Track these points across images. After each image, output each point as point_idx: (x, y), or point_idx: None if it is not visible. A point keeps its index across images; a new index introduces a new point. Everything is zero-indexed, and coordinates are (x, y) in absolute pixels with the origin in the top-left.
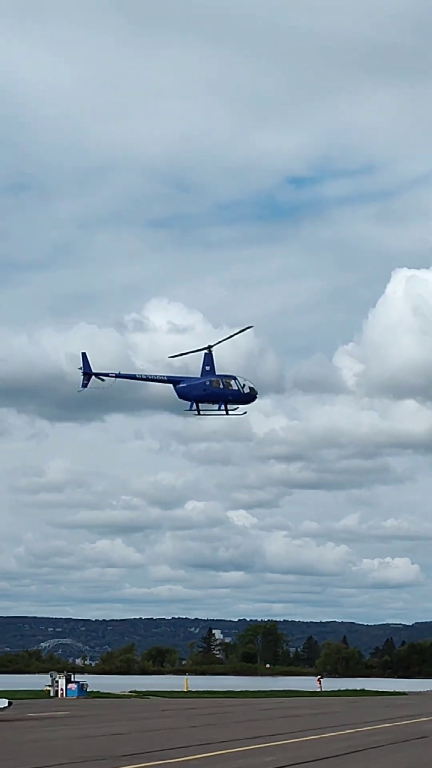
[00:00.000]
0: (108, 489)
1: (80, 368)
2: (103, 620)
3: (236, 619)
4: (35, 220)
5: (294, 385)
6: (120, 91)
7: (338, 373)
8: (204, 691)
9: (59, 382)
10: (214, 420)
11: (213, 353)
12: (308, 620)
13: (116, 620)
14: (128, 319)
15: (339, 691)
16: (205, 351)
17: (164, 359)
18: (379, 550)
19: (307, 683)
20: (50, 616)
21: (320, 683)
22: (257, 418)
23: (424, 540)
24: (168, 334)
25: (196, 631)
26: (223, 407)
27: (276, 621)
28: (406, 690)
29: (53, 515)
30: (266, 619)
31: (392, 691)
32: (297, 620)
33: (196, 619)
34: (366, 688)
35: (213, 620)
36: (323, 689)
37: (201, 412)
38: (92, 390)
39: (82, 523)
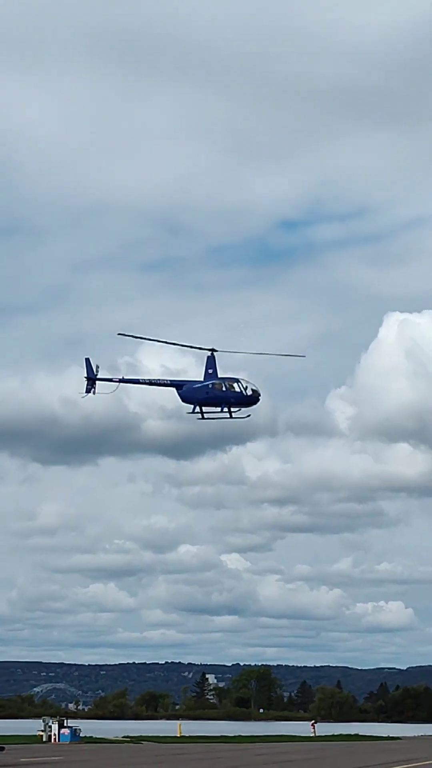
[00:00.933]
0: (101, 533)
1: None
2: (96, 665)
3: (230, 664)
4: (27, 263)
5: (287, 428)
6: (112, 134)
7: (331, 417)
8: (197, 736)
9: (52, 425)
10: (207, 463)
11: (215, 356)
12: (302, 665)
13: (109, 665)
14: (121, 362)
15: (333, 735)
16: (208, 354)
17: (156, 402)
18: (373, 594)
19: (301, 728)
20: (43, 661)
21: (314, 728)
22: (250, 461)
23: (418, 584)
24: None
25: (190, 675)
26: (226, 410)
27: (270, 665)
28: (400, 735)
29: (46, 559)
30: (260, 664)
31: (386, 735)
32: (291, 665)
33: (190, 663)
34: (360, 733)
35: (206, 665)
36: (317, 734)
37: (205, 416)
38: (85, 433)
39: (74, 567)
